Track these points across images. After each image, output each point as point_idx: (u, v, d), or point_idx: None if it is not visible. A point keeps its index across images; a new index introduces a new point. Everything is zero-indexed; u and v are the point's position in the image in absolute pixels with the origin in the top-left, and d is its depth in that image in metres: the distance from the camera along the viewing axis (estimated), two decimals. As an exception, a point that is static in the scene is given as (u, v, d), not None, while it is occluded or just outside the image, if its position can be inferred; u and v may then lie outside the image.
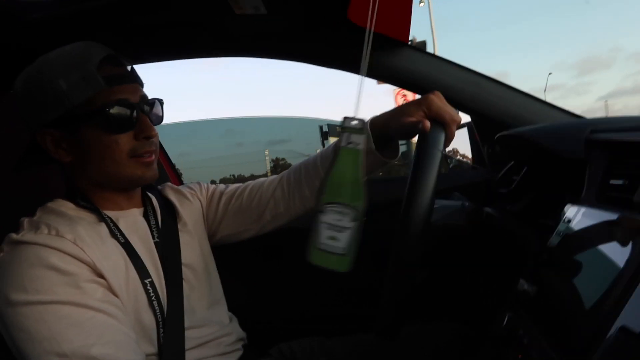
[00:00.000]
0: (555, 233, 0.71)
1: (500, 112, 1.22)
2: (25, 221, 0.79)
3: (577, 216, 0.69)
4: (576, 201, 0.74)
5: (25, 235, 0.75)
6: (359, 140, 0.68)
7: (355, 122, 0.69)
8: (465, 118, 1.42)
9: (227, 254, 1.12)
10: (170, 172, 1.86)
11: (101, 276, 0.77)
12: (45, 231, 0.76)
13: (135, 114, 0.83)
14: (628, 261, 0.52)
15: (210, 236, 1.09)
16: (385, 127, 0.90)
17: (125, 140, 0.83)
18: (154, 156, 0.88)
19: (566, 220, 0.71)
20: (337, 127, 0.72)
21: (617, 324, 0.46)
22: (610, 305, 0.50)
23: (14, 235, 0.76)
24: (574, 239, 0.69)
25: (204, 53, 1.26)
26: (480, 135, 1.41)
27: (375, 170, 0.95)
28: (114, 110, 0.81)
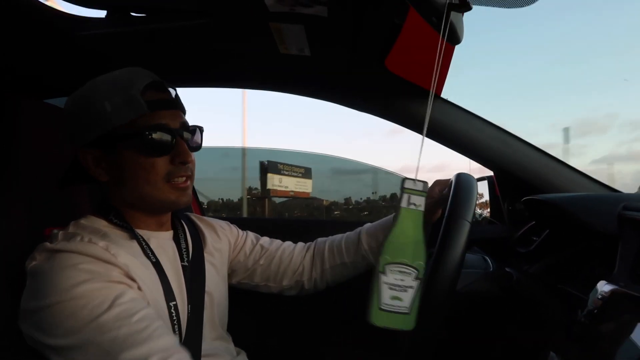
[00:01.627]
0: (587, 309, 0.72)
1: (526, 172, 1.24)
2: (60, 233, 0.81)
3: (609, 293, 0.70)
4: (608, 277, 0.75)
5: (60, 243, 0.77)
6: (420, 202, 0.70)
7: (416, 184, 0.70)
8: (488, 173, 1.44)
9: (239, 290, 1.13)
10: (193, 203, 1.86)
11: (132, 280, 0.78)
12: (79, 239, 0.78)
13: (173, 138, 0.85)
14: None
15: (229, 276, 1.11)
16: None
17: (161, 164, 0.85)
18: (189, 182, 0.90)
19: (599, 296, 0.71)
20: (400, 190, 0.72)
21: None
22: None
23: (48, 245, 0.78)
24: (605, 315, 0.69)
25: (246, 85, 1.28)
26: (501, 191, 1.42)
27: None
28: (153, 133, 0.83)
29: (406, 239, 0.69)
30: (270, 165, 8.58)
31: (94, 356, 0.69)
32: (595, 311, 0.71)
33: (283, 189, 8.78)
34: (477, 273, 1.03)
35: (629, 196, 0.98)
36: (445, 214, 0.79)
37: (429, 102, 0.81)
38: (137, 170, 0.84)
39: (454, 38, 0.78)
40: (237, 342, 1.07)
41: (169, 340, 0.74)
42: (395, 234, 0.70)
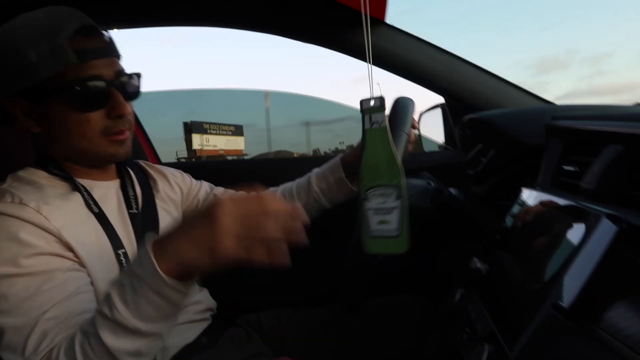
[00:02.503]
0: (508, 215, 0.74)
1: (472, 94, 1.25)
2: None
3: (529, 199, 0.72)
4: (531, 185, 0.77)
5: None
6: (381, 118, 0.68)
7: (372, 102, 0.68)
8: (438, 99, 1.44)
9: None
10: (148, 150, 1.83)
11: (67, 246, 0.76)
12: (9, 199, 0.75)
13: (107, 91, 0.80)
14: (569, 244, 0.56)
15: None
16: (355, 161, 1.02)
17: (97, 119, 0.80)
18: (127, 133, 0.85)
19: (519, 202, 0.74)
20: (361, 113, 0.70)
21: (549, 300, 0.49)
22: (548, 283, 0.53)
23: None
24: (525, 221, 0.72)
25: (183, 21, 1.23)
26: (452, 116, 1.43)
27: (345, 199, 1.08)
28: (85, 87, 0.77)
29: (378, 160, 0.68)
30: (194, 125, 8.41)
31: (9, 331, 0.68)
32: (516, 217, 0.73)
33: (211, 148, 8.65)
34: (415, 187, 1.05)
35: (557, 107, 0.99)
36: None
37: (365, 26, 0.79)
38: (71, 125, 0.80)
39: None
40: (199, 281, 1.09)
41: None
42: (367, 158, 0.69)
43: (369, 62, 0.78)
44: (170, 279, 0.57)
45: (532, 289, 0.57)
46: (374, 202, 0.67)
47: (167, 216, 1.00)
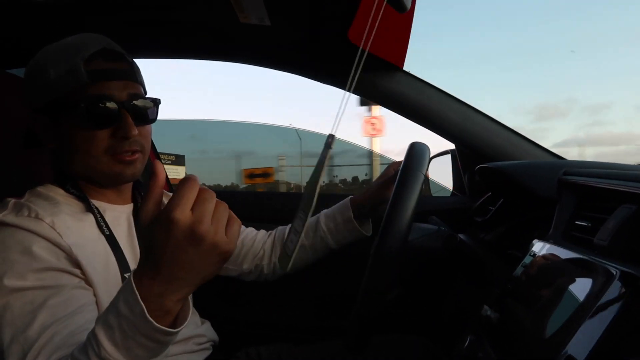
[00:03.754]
0: (520, 265, 0.75)
1: (483, 143, 1.28)
2: (11, 202, 0.80)
3: (542, 251, 0.74)
4: (543, 237, 0.79)
5: (7, 216, 0.76)
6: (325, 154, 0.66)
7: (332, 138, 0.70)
8: (448, 145, 1.48)
9: None
10: None
11: (77, 264, 0.78)
12: (26, 213, 0.77)
13: (116, 111, 0.82)
14: (584, 298, 0.57)
15: None
16: (364, 202, 1.08)
17: (102, 137, 0.82)
18: (137, 155, 0.87)
19: (532, 254, 0.75)
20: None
21: (564, 352, 0.50)
22: (561, 335, 0.54)
23: None
24: (537, 272, 0.73)
25: (203, 55, 1.28)
26: (462, 163, 1.46)
27: (351, 240, 1.11)
28: (93, 105, 0.80)
29: (308, 190, 0.66)
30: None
31: (10, 342, 0.68)
32: (528, 267, 0.74)
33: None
34: (426, 229, 1.07)
35: (569, 162, 1.02)
36: (400, 168, 0.85)
37: (356, 59, 0.81)
38: (78, 141, 0.83)
39: (400, 5, 0.80)
40: (201, 313, 1.09)
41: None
42: (306, 186, 0.68)
43: (349, 91, 0.80)
44: (163, 327, 0.54)
45: (545, 340, 0.58)
46: (295, 222, 0.66)
47: None
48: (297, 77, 1.34)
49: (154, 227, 0.52)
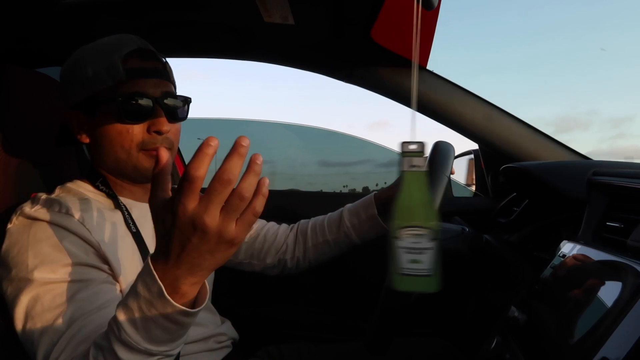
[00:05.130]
0: (549, 266, 0.74)
1: (507, 143, 1.26)
2: (43, 197, 0.83)
3: (571, 252, 0.72)
4: (573, 238, 0.77)
5: (38, 211, 0.79)
6: (421, 163, 0.68)
7: (413, 146, 0.69)
8: (472, 145, 1.46)
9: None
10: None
11: (105, 259, 0.80)
12: (57, 209, 0.80)
13: (151, 106, 0.85)
14: (615, 300, 0.55)
15: None
16: (388, 199, 1.05)
17: (136, 132, 0.85)
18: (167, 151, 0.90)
19: (561, 255, 0.74)
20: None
21: (599, 355, 0.48)
22: (595, 339, 0.52)
23: (27, 209, 0.79)
24: (566, 274, 0.72)
25: (229, 54, 1.29)
26: (485, 164, 1.44)
27: (375, 236, 1.09)
28: (129, 100, 0.83)
29: (414, 202, 0.68)
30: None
31: (40, 335, 0.70)
32: (557, 269, 0.73)
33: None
34: (450, 231, 1.06)
35: (598, 163, 1.00)
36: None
37: (413, 73, 0.81)
38: (113, 135, 0.86)
39: (428, 3, 0.80)
40: (221, 312, 1.10)
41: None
42: (402, 198, 0.68)
43: (414, 108, 0.80)
44: (181, 306, 0.56)
45: (575, 343, 0.56)
46: (406, 241, 0.67)
47: None
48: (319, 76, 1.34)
49: (162, 214, 0.54)
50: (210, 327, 1.00)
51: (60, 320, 0.70)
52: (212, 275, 1.09)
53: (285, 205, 1.50)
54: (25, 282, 0.73)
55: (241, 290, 1.42)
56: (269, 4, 1.02)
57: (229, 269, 1.17)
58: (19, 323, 0.72)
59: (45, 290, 0.72)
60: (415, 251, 0.66)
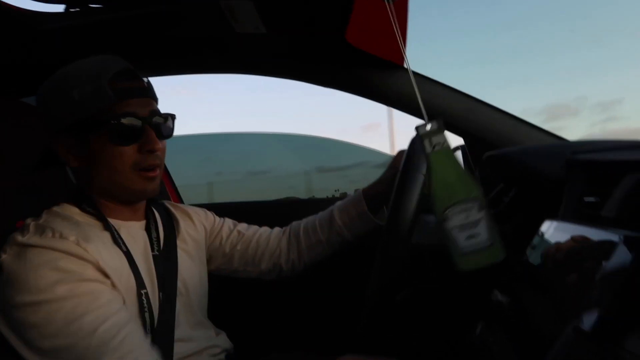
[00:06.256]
0: (529, 247, 0.73)
1: (491, 134, 1.26)
2: (32, 224, 0.82)
3: (549, 230, 0.71)
4: (554, 218, 0.76)
5: (31, 238, 0.78)
6: (442, 139, 0.67)
7: (429, 125, 0.67)
8: (458, 141, 1.45)
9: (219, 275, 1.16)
10: (171, 191, 1.88)
11: (105, 275, 0.80)
12: (50, 234, 0.79)
13: (141, 127, 0.86)
14: (592, 272, 0.54)
15: (208, 262, 1.13)
16: (377, 194, 1.08)
17: (129, 153, 0.86)
18: (157, 171, 0.91)
19: (540, 234, 0.73)
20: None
21: (573, 324, 0.47)
22: (570, 309, 0.51)
23: (19, 238, 0.78)
24: (545, 252, 0.70)
25: (205, 69, 1.31)
26: (472, 158, 1.43)
27: (367, 231, 1.10)
28: (121, 122, 0.84)
29: (450, 178, 0.66)
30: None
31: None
32: (536, 248, 0.72)
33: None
34: (428, 224, 1.04)
35: (576, 142, 0.99)
36: (400, 168, 0.84)
37: (412, 79, 0.81)
38: (105, 158, 0.86)
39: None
40: (218, 324, 1.09)
41: (138, 344, 0.76)
42: (437, 180, 0.66)
43: (417, 92, 0.79)
44: None
45: (555, 316, 0.55)
46: (456, 220, 0.64)
47: (186, 257, 1.03)
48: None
49: None
50: (202, 341, 0.99)
51: (81, 332, 0.71)
52: (204, 288, 1.08)
53: (280, 215, 1.50)
54: (32, 306, 0.72)
55: (237, 301, 1.41)
56: (238, 14, 1.04)
57: (224, 278, 1.17)
58: (30, 346, 0.72)
59: (54, 309, 0.72)
60: (468, 226, 0.64)
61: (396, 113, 1.36)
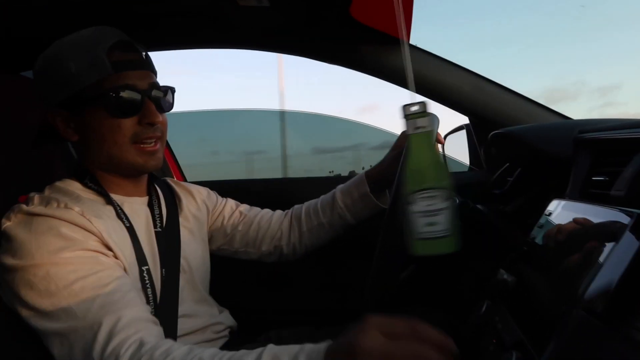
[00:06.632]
0: (536, 226, 0.73)
1: (497, 113, 1.24)
2: (36, 196, 0.82)
3: (557, 210, 0.71)
4: (560, 197, 0.75)
5: (36, 207, 0.78)
6: (426, 123, 0.66)
7: (415, 107, 0.67)
8: (463, 120, 1.44)
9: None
10: (174, 168, 1.88)
11: (108, 247, 0.80)
12: (55, 204, 0.79)
13: (140, 99, 0.84)
14: (600, 252, 0.54)
15: (209, 242, 1.13)
16: (379, 176, 1.07)
17: (128, 125, 0.85)
18: (158, 145, 0.89)
19: (547, 213, 0.72)
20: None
21: (580, 304, 0.47)
22: (578, 288, 0.51)
23: (24, 207, 0.79)
24: (553, 232, 0.70)
25: (206, 44, 1.28)
26: (477, 137, 1.42)
27: (369, 214, 1.09)
28: (119, 94, 0.82)
29: (424, 163, 0.66)
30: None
31: (65, 322, 0.71)
32: (543, 227, 0.71)
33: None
34: None
35: (583, 121, 0.98)
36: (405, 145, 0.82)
37: (403, 51, 0.79)
38: (104, 131, 0.84)
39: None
40: (221, 302, 1.10)
41: (141, 310, 0.76)
42: (412, 162, 0.67)
43: (409, 70, 0.78)
44: None
45: (562, 295, 0.55)
46: (420, 204, 0.65)
47: (188, 235, 1.02)
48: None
49: (355, 332, 0.57)
50: (205, 317, 0.99)
51: (84, 293, 0.72)
52: (206, 265, 1.08)
53: (279, 193, 1.50)
54: (33, 268, 0.73)
55: (240, 280, 1.42)
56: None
57: (226, 258, 1.17)
58: (30, 308, 0.73)
59: (56, 270, 0.73)
60: (430, 214, 0.65)
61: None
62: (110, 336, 0.69)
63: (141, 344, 0.68)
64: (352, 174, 2.10)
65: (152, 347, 0.67)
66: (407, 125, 0.67)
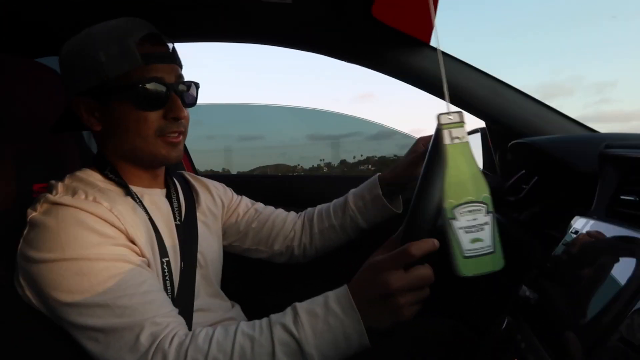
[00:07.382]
0: (561, 243, 0.72)
1: (514, 119, 1.23)
2: (59, 184, 0.81)
3: (584, 228, 0.70)
4: (585, 214, 0.75)
5: (63, 197, 0.78)
6: (462, 133, 0.64)
7: (451, 117, 0.64)
8: (479, 123, 1.43)
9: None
10: (185, 161, 1.87)
11: (133, 242, 0.80)
12: (83, 196, 0.79)
13: (167, 93, 0.84)
14: (629, 277, 0.53)
15: (222, 237, 1.13)
16: (393, 180, 1.06)
17: (153, 118, 0.84)
18: (181, 137, 0.89)
19: (573, 231, 0.71)
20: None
21: (617, 335, 0.47)
22: (609, 318, 0.50)
23: (50, 196, 0.78)
24: (579, 251, 0.69)
25: (227, 38, 1.26)
26: (492, 141, 1.41)
27: (382, 218, 1.10)
28: (147, 87, 0.82)
29: (463, 175, 0.63)
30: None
31: (100, 319, 0.71)
32: (569, 246, 0.71)
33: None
34: None
35: (609, 136, 0.97)
36: (430, 144, 0.81)
37: (439, 61, 0.76)
38: (129, 122, 0.84)
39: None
40: (232, 297, 1.10)
41: (171, 307, 0.77)
42: (451, 174, 0.63)
43: (444, 80, 0.76)
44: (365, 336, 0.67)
45: (590, 322, 0.54)
46: (463, 220, 0.61)
47: (205, 229, 1.02)
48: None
49: (371, 269, 0.71)
50: (219, 312, 0.99)
51: (118, 291, 0.72)
52: (220, 261, 1.08)
53: (292, 191, 1.49)
54: (63, 262, 0.72)
55: (250, 276, 1.41)
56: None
57: (236, 255, 1.17)
58: (61, 300, 0.72)
59: (89, 266, 0.72)
60: (474, 229, 0.62)
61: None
62: (153, 338, 0.69)
63: (182, 337, 0.71)
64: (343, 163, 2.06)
65: (193, 336, 0.70)
66: (444, 135, 0.64)
